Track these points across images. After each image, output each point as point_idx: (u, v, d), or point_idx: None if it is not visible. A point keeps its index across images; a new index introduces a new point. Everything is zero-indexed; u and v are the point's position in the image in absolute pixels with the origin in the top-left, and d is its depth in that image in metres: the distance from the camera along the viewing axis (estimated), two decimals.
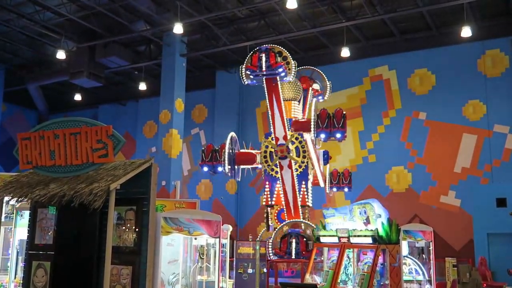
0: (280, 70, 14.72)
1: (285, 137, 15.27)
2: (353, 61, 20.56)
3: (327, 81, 17.68)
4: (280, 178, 15.38)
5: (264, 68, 14.60)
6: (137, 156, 25.00)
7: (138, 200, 6.51)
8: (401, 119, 20.38)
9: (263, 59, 14.56)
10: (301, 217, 15.01)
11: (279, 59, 14.64)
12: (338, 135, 14.90)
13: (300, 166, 15.35)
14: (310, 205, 15.84)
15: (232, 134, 16.48)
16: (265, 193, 15.95)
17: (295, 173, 15.24)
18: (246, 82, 15.38)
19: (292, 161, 15.25)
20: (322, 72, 17.75)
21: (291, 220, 14.75)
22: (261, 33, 20.41)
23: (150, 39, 21.32)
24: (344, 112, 15.03)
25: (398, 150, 20.16)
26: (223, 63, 23.22)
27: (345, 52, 19.19)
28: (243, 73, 15.22)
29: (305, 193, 15.46)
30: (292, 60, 15.07)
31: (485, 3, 17.92)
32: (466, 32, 17.21)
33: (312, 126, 15.03)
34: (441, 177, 19.34)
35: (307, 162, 15.49)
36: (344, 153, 20.96)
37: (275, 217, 15.38)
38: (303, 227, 14.41)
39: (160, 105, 21.42)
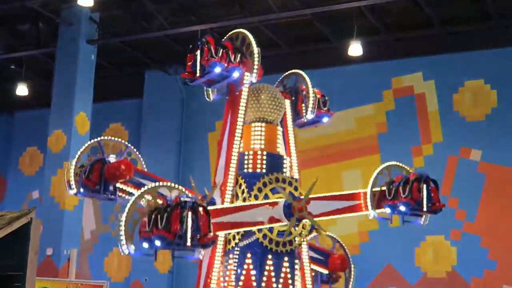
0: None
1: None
2: (368, 64, 20.07)
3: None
4: None
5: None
6: (7, 205, 24.25)
7: (5, 280, 6.88)
8: (442, 159, 19.50)
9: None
10: None
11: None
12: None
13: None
14: None
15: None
16: None
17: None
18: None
19: None
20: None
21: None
22: (222, 13, 19.64)
23: (40, 14, 20.35)
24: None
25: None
26: (158, 58, 22.44)
27: (356, 49, 18.93)
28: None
29: None
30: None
31: None
32: None
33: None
34: (504, 255, 18.45)
35: None
36: None
37: None
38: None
39: (49, 122, 20.59)
